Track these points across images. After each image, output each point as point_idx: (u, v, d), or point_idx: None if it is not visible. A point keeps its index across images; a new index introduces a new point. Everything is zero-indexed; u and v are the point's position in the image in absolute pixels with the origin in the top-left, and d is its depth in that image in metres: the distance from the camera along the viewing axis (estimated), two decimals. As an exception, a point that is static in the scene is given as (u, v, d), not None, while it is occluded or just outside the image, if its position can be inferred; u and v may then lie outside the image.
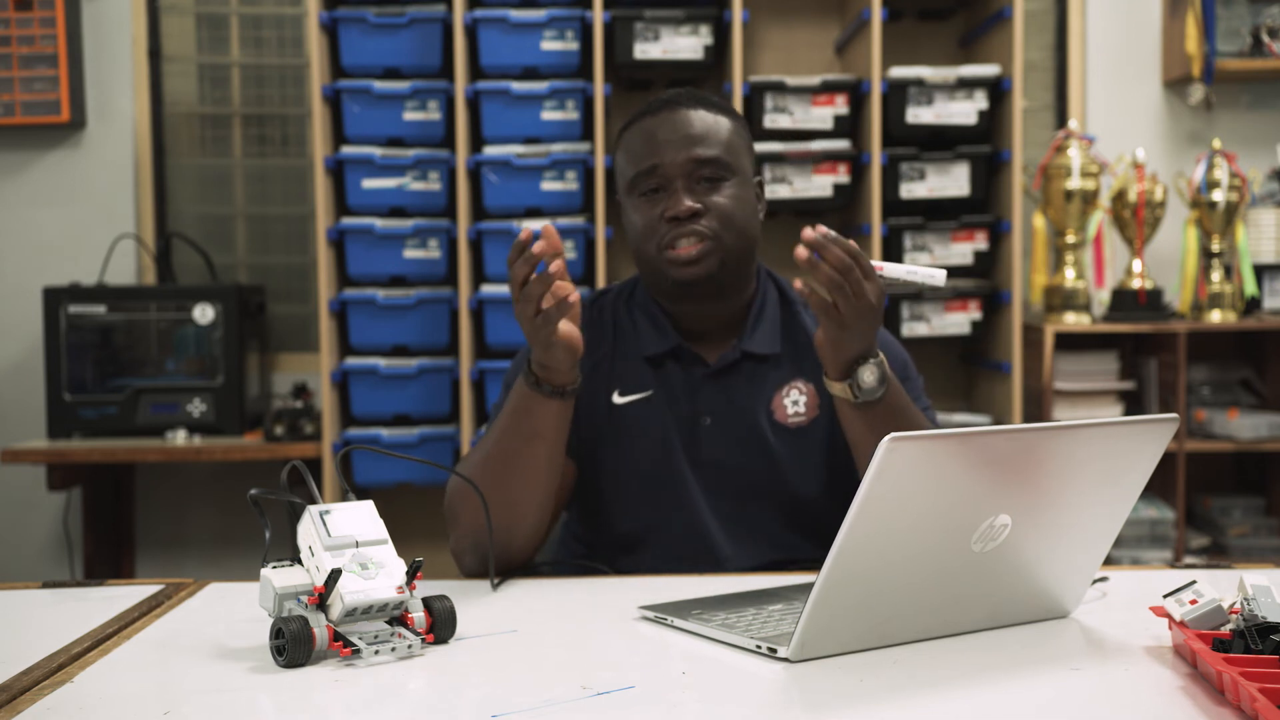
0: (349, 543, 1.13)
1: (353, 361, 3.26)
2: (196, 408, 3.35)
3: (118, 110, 3.64)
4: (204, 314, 3.35)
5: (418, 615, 1.15)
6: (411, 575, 1.14)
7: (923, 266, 1.40)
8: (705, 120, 1.56)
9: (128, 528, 3.69)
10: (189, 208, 3.75)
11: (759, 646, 1.11)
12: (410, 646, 1.12)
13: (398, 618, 1.14)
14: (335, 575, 1.09)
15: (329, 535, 1.13)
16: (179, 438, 3.30)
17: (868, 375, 1.44)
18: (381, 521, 1.17)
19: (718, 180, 1.55)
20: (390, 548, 1.16)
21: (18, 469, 3.56)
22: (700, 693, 1.02)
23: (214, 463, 3.64)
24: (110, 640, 1.18)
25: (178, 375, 3.38)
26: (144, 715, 0.97)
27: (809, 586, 1.07)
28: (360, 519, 1.16)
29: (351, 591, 1.10)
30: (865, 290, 1.38)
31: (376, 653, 1.10)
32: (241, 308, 3.37)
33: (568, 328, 1.42)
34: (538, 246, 1.35)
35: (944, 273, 1.39)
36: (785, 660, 1.09)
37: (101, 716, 0.96)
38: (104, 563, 3.55)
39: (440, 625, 1.16)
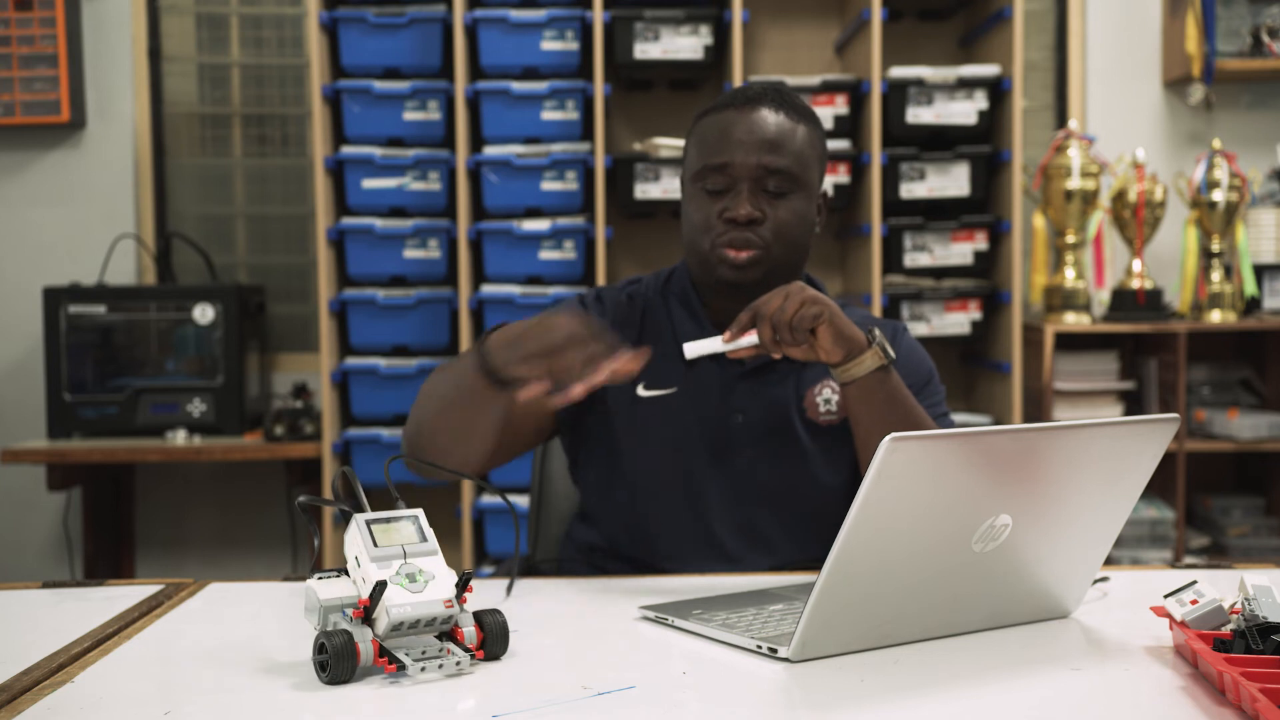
0: (396, 553, 1.07)
1: (353, 361, 3.26)
2: (196, 408, 3.35)
3: (118, 110, 3.65)
4: (204, 314, 3.35)
5: (468, 630, 1.09)
6: (462, 588, 1.08)
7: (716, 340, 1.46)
8: (784, 126, 1.56)
9: (128, 528, 3.69)
10: (189, 208, 3.75)
11: (759, 646, 1.11)
12: (459, 664, 1.05)
13: (447, 632, 1.09)
14: (380, 588, 1.03)
15: (375, 545, 1.07)
16: (179, 438, 3.30)
17: (877, 333, 1.46)
18: (431, 530, 1.11)
19: (782, 192, 1.55)
20: (440, 558, 1.09)
21: (18, 469, 3.56)
22: (701, 693, 1.02)
23: (214, 463, 3.64)
24: (110, 640, 1.18)
25: (178, 375, 3.38)
26: (144, 715, 0.96)
27: (809, 586, 1.07)
28: (409, 528, 1.10)
29: (397, 605, 1.04)
30: (798, 315, 1.40)
31: (423, 669, 1.04)
32: (241, 308, 3.37)
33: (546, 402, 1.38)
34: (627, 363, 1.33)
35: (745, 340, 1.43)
36: (786, 660, 1.08)
37: (101, 716, 0.96)
38: (104, 563, 3.55)
39: (491, 641, 1.10)
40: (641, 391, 1.60)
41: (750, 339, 1.44)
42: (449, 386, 1.46)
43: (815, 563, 1.55)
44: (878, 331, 1.46)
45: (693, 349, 1.47)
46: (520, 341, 1.33)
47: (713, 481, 1.58)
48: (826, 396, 1.60)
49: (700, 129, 1.60)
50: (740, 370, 1.60)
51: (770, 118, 1.56)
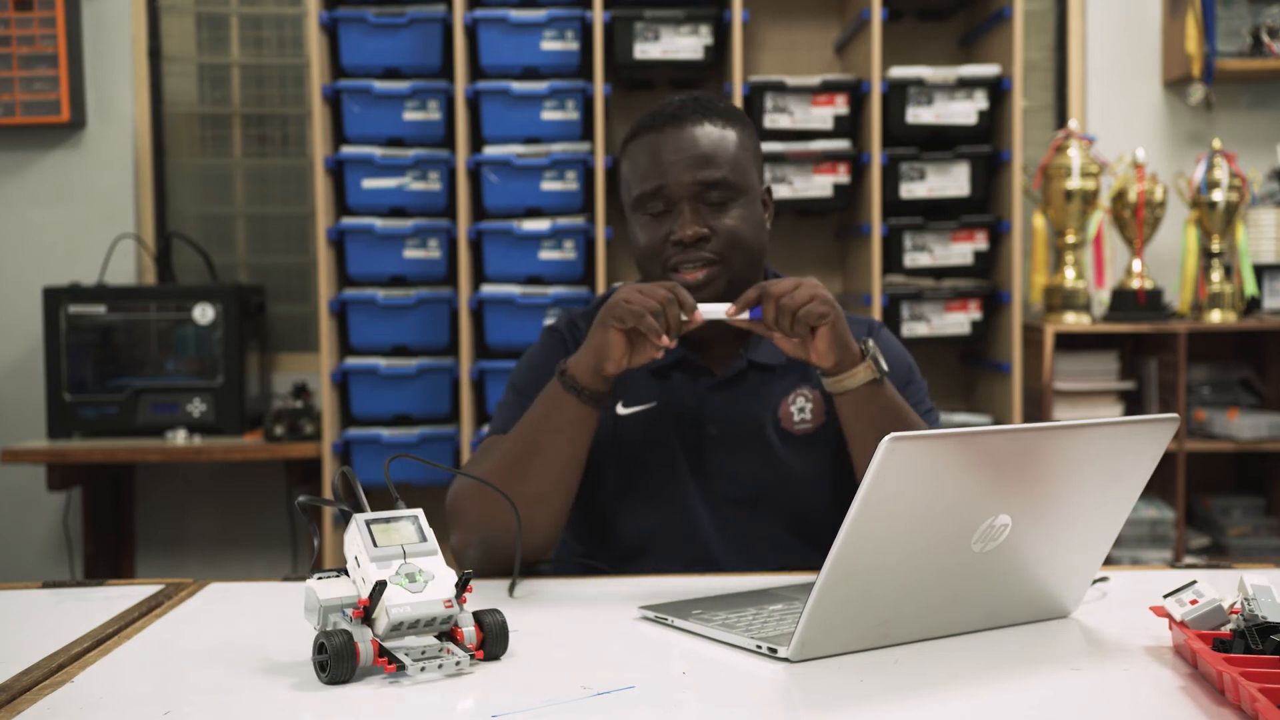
0: (396, 553, 1.07)
1: (353, 361, 3.26)
2: (196, 408, 3.35)
3: (118, 110, 3.65)
4: (204, 314, 3.35)
5: (468, 630, 1.09)
6: (462, 588, 1.08)
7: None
8: (712, 136, 1.54)
9: (128, 528, 3.69)
10: (189, 208, 3.75)
11: (759, 646, 1.11)
12: (459, 664, 1.06)
13: (447, 632, 1.09)
14: (380, 588, 1.04)
15: (375, 545, 1.07)
16: (179, 438, 3.30)
17: (871, 345, 1.46)
18: (431, 530, 1.12)
19: (725, 202, 1.53)
20: (440, 558, 1.09)
21: (18, 469, 3.56)
22: (701, 693, 1.02)
23: (214, 463, 3.64)
24: (110, 640, 1.18)
25: (178, 375, 3.38)
26: (144, 715, 0.96)
27: (809, 586, 1.07)
28: (409, 528, 1.10)
29: (397, 605, 1.04)
30: (805, 309, 1.40)
31: (423, 669, 1.05)
32: (241, 308, 3.37)
33: (643, 356, 1.45)
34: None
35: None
36: (785, 660, 1.09)
37: (101, 716, 0.96)
38: (104, 563, 3.55)
39: (491, 641, 1.10)
40: (621, 410, 1.59)
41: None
42: (528, 436, 1.47)
43: (803, 568, 1.56)
44: (871, 343, 1.46)
45: (705, 310, 1.46)
46: (598, 339, 1.43)
47: (695, 491, 1.58)
48: (800, 405, 1.60)
49: (630, 155, 1.58)
50: (711, 382, 1.60)
51: (696, 131, 1.54)
